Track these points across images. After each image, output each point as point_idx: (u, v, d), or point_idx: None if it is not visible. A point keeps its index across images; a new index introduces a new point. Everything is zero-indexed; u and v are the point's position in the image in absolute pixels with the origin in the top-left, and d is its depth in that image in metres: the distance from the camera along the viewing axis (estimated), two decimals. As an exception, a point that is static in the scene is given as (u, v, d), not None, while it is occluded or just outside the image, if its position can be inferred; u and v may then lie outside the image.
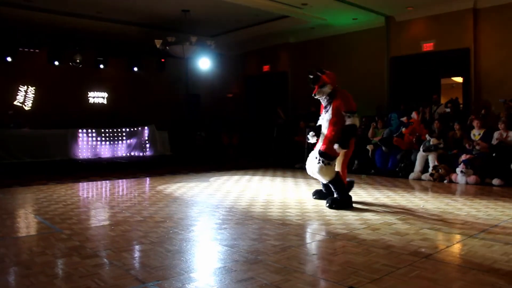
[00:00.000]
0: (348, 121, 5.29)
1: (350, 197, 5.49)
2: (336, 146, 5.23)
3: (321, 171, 5.30)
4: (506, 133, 7.97)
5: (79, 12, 11.21)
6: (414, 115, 9.26)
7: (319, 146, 5.52)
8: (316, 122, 5.79)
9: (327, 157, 5.28)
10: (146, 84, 14.96)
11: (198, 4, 10.61)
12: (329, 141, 5.32)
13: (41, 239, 3.88)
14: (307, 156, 5.74)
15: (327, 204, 5.30)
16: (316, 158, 5.32)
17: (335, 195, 5.39)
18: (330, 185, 5.40)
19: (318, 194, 5.84)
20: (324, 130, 5.49)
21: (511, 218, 4.69)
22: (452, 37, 10.35)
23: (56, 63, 13.20)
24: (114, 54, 14.31)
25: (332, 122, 5.39)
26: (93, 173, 9.10)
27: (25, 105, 13.12)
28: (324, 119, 5.52)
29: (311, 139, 5.64)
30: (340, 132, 5.30)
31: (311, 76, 5.47)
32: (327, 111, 5.48)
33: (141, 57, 14.61)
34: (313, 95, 5.49)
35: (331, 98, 5.42)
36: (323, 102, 5.54)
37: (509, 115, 8.44)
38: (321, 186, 5.83)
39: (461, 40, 10.22)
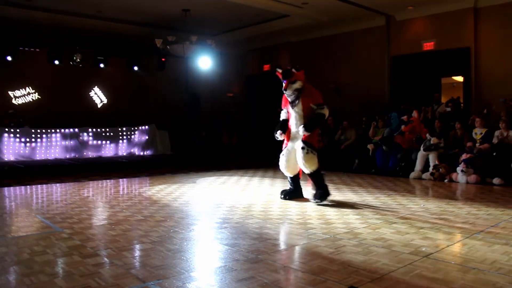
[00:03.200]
0: (318, 112, 5.59)
1: (327, 186, 5.65)
2: (301, 128, 5.48)
3: (307, 159, 5.41)
4: (507, 132, 7.98)
5: (80, 11, 11.19)
6: (414, 113, 9.26)
7: (295, 141, 5.62)
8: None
9: (310, 145, 5.48)
10: (146, 83, 14.95)
11: (198, 4, 10.59)
12: (308, 134, 5.53)
13: (41, 238, 3.88)
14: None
15: (316, 200, 5.49)
16: (303, 148, 5.44)
17: (314, 190, 5.58)
18: (311, 177, 5.55)
19: (289, 195, 5.89)
20: (297, 124, 5.61)
21: (512, 217, 4.70)
22: (453, 36, 10.33)
23: (56, 62, 13.18)
24: (114, 53, 14.29)
25: (305, 117, 5.59)
26: (94, 173, 9.10)
27: (17, 101, 13.03)
28: (295, 115, 5.65)
29: (280, 137, 5.78)
30: (309, 119, 5.58)
31: (280, 70, 5.62)
32: (295, 105, 5.63)
33: (142, 56, 14.59)
34: (283, 90, 5.61)
35: (299, 94, 5.59)
36: (290, 98, 5.66)
37: (510, 114, 8.44)
38: (289, 184, 5.96)
39: (462, 39, 10.20)
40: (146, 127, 13.51)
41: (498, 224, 4.37)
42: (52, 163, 10.78)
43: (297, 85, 5.55)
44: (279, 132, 5.75)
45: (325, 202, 5.51)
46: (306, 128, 5.46)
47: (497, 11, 9.76)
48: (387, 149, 9.26)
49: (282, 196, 5.92)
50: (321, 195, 5.50)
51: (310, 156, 5.42)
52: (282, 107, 5.90)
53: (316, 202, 5.48)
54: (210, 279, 2.86)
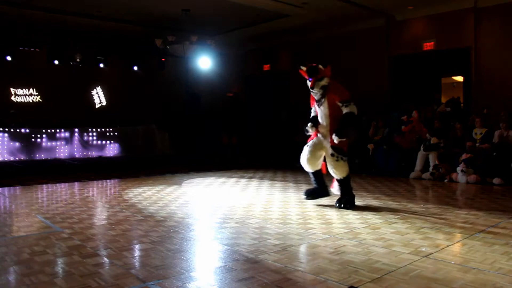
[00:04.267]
0: (345, 110, 5.20)
1: (354, 195, 5.42)
2: (334, 136, 5.14)
3: (337, 167, 5.19)
4: (507, 132, 7.98)
5: (80, 11, 11.20)
6: (414, 113, 9.26)
7: (323, 139, 5.38)
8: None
9: (340, 151, 5.20)
10: (146, 83, 14.95)
11: (198, 3, 10.60)
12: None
13: (41, 238, 3.88)
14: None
15: (338, 205, 5.25)
16: (333, 155, 5.20)
17: (340, 194, 5.33)
18: (339, 183, 5.32)
19: (312, 194, 5.65)
20: (324, 124, 5.36)
21: (512, 217, 4.70)
22: (453, 36, 10.34)
23: (56, 62, 13.18)
24: (114, 53, 14.31)
25: (331, 115, 5.28)
26: (94, 173, 9.10)
27: (16, 98, 12.98)
28: (321, 114, 5.39)
29: (310, 130, 5.48)
30: (339, 124, 5.21)
31: (304, 68, 5.36)
32: (321, 104, 5.35)
33: (142, 56, 14.60)
34: (310, 87, 5.33)
35: (324, 92, 5.30)
36: (316, 96, 5.39)
37: (510, 114, 8.44)
38: (312, 183, 5.69)
39: (462, 39, 10.21)
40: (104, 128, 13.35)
41: (498, 224, 4.36)
42: (51, 163, 10.78)
43: (324, 82, 5.27)
44: (309, 124, 5.43)
45: (326, 203, 5.51)
46: (338, 134, 5.09)
47: (497, 11, 9.77)
48: (387, 148, 9.27)
49: (305, 196, 5.65)
50: (346, 202, 5.24)
51: (341, 164, 5.18)
52: (311, 106, 5.60)
53: (338, 208, 5.23)
54: (210, 279, 2.86)
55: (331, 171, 5.29)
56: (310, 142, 5.50)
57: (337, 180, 5.33)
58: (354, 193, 5.44)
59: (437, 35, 10.63)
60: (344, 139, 5.14)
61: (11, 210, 5.41)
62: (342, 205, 5.23)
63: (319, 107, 5.40)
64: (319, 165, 5.48)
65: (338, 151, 5.19)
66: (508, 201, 5.81)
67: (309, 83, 5.36)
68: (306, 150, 5.48)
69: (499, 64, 9.71)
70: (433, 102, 10.31)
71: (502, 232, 4.05)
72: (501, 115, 8.43)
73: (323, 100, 5.33)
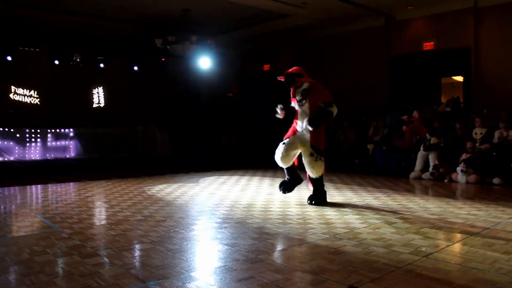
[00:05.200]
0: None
1: (325, 192, 5.65)
2: (305, 122, 5.42)
3: (316, 167, 5.39)
4: (507, 132, 7.98)
5: (80, 10, 11.20)
6: (415, 113, 9.26)
7: (300, 138, 5.52)
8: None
9: (318, 151, 5.41)
10: (146, 83, 14.95)
11: (198, 3, 10.60)
12: (315, 134, 5.43)
13: (41, 238, 3.88)
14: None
15: (309, 201, 5.51)
16: (312, 155, 5.37)
17: (313, 191, 5.58)
18: (313, 182, 5.54)
19: (288, 188, 5.84)
20: (305, 124, 5.49)
21: (511, 217, 4.70)
22: (453, 36, 10.33)
23: (56, 62, 13.18)
24: (114, 53, 14.31)
25: (311, 114, 5.48)
26: (94, 173, 9.11)
27: (15, 97, 12.96)
28: (301, 113, 5.55)
29: (279, 111, 5.63)
30: (315, 114, 5.42)
31: (281, 79, 5.55)
32: (302, 105, 5.51)
33: (142, 56, 14.59)
34: (292, 96, 5.60)
35: (307, 93, 5.50)
36: (298, 97, 5.57)
37: (510, 114, 8.44)
38: (286, 175, 5.85)
39: (462, 39, 10.20)
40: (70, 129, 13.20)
41: (498, 224, 4.36)
42: (52, 163, 10.78)
43: (304, 86, 5.50)
44: (280, 106, 5.61)
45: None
46: (311, 122, 5.37)
47: (497, 11, 9.76)
48: (387, 148, 9.27)
49: (282, 191, 5.84)
50: (317, 200, 5.51)
51: (319, 164, 5.39)
52: (291, 101, 5.76)
53: (310, 204, 5.50)
54: (210, 279, 2.86)
55: (308, 170, 5.48)
56: (286, 140, 5.62)
57: (311, 179, 5.54)
58: (325, 190, 5.68)
59: (437, 35, 10.62)
60: (313, 129, 5.37)
61: (11, 210, 5.41)
62: (313, 202, 5.49)
63: (300, 106, 5.57)
64: (291, 161, 5.68)
65: (317, 152, 5.40)
66: (508, 201, 5.81)
67: (291, 92, 5.60)
68: (281, 147, 5.60)
69: (499, 64, 9.70)
70: (433, 102, 10.31)
71: (502, 232, 4.05)
72: (501, 115, 8.42)
73: (304, 101, 5.52)
